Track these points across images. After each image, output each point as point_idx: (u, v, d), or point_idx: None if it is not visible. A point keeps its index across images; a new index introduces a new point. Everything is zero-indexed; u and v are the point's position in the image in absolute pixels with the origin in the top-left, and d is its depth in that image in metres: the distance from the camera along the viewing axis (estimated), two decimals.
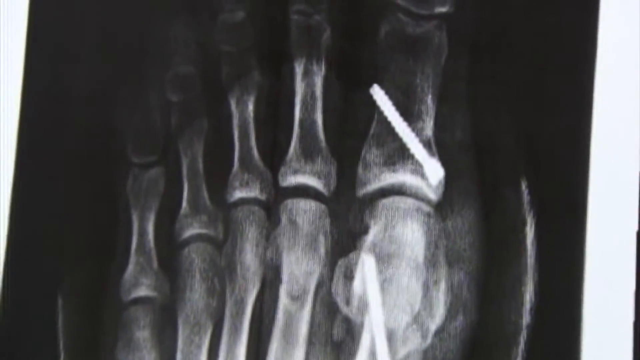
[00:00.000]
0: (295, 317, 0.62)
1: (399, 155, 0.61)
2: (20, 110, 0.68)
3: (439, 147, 0.61)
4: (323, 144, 0.63)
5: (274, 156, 0.64)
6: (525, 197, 0.59)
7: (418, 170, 0.61)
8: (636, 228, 0.58)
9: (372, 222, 0.62)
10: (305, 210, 0.63)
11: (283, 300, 0.63)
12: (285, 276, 0.63)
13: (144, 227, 0.66)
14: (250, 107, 0.64)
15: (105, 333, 0.67)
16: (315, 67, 0.63)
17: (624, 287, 0.58)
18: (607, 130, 0.58)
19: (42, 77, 0.68)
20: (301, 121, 0.63)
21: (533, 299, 0.59)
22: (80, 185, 0.67)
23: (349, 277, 0.62)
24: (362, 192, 0.62)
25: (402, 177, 0.61)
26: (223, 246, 0.65)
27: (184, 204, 0.66)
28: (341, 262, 0.62)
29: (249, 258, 0.64)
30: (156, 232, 0.67)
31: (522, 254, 0.59)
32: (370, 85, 0.62)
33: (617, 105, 0.58)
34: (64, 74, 0.68)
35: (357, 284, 0.62)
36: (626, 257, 0.58)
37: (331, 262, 0.63)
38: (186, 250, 0.66)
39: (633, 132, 0.58)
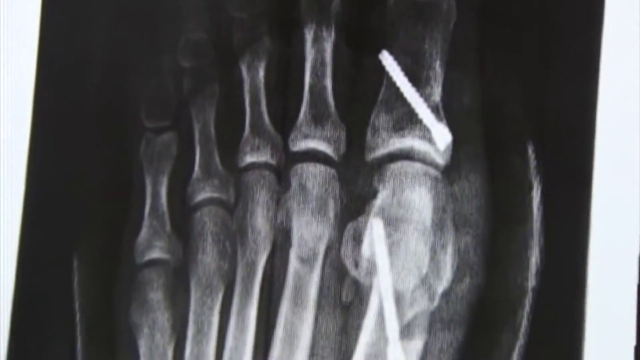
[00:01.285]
0: (305, 280, 0.65)
1: (407, 120, 0.63)
2: (36, 76, 0.70)
3: (447, 112, 0.63)
4: (332, 109, 0.65)
5: (285, 121, 0.66)
6: (532, 162, 0.61)
7: (426, 135, 0.63)
8: (639, 192, 0.59)
9: (380, 186, 0.64)
10: (315, 175, 0.65)
11: (293, 263, 0.65)
12: (295, 239, 0.65)
13: (157, 191, 0.69)
14: (261, 73, 0.67)
15: (119, 294, 0.69)
16: (325, 34, 0.65)
17: (628, 250, 0.60)
18: (613, 97, 0.60)
19: (57, 45, 0.71)
20: (311, 87, 0.65)
21: (539, 262, 0.61)
22: (95, 150, 0.70)
23: (357, 240, 0.64)
24: (370, 156, 0.64)
25: (410, 141, 0.63)
26: (234, 210, 0.67)
27: (196, 168, 0.68)
28: (350, 226, 0.64)
29: (260, 222, 0.66)
30: (169, 195, 0.69)
31: (528, 218, 0.61)
32: (379, 51, 0.64)
33: (623, 72, 0.60)
34: (78, 41, 0.71)
35: (365, 247, 0.64)
36: (630, 221, 0.60)
37: (340, 226, 0.65)
38: (198, 213, 0.68)
39: (638, 98, 0.59)
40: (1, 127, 0.71)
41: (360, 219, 0.64)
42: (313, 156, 0.65)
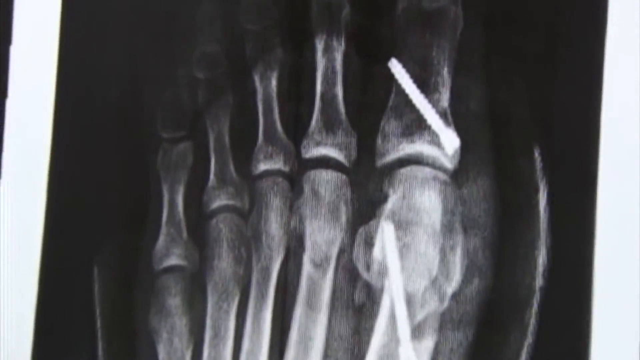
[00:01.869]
0: (318, 283, 0.67)
1: (417, 126, 0.66)
2: (56, 89, 0.74)
3: (455, 117, 0.65)
4: (343, 116, 0.68)
5: (297, 129, 0.69)
6: (538, 165, 0.63)
7: (435, 140, 0.65)
8: None
9: (391, 191, 0.66)
10: (327, 181, 0.68)
11: (306, 267, 0.68)
12: (308, 244, 0.68)
13: (174, 199, 0.72)
14: (274, 82, 0.70)
15: (138, 300, 0.72)
16: (335, 43, 0.68)
17: (634, 249, 0.61)
18: (617, 100, 0.62)
19: (75, 58, 0.74)
20: (322, 95, 0.68)
21: (546, 263, 0.63)
22: (114, 160, 0.73)
23: (369, 244, 0.67)
24: (381, 162, 0.67)
25: (420, 147, 0.65)
26: (249, 216, 0.70)
27: (212, 176, 0.71)
28: (362, 230, 0.67)
29: (274, 227, 0.69)
30: (185, 203, 0.72)
31: (535, 220, 0.63)
32: (388, 59, 0.67)
33: (627, 75, 0.62)
34: (96, 54, 0.74)
35: (377, 250, 0.66)
36: (635, 221, 0.61)
37: (352, 230, 0.67)
38: (214, 220, 0.71)
39: None
40: (21, 138, 0.74)
41: (372, 223, 0.66)
42: (325, 163, 0.67)
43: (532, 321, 0.63)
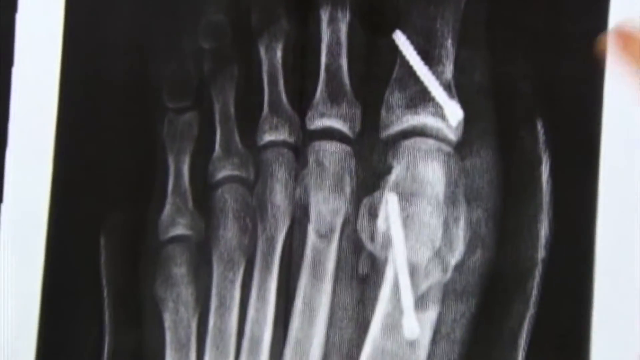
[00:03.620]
0: (323, 254, 0.72)
1: (420, 97, 0.70)
2: (61, 61, 0.78)
3: (459, 89, 0.70)
4: (348, 88, 0.72)
5: (302, 100, 0.73)
6: (541, 137, 0.67)
7: (438, 112, 0.69)
8: None
9: (395, 162, 0.70)
10: (331, 152, 0.72)
11: (311, 237, 0.72)
12: (313, 215, 0.73)
13: (180, 169, 0.76)
14: (279, 53, 0.74)
15: (145, 270, 0.77)
16: (340, 14, 0.72)
17: (635, 220, 0.65)
18: (620, 72, 0.65)
19: (80, 29, 0.78)
20: (327, 66, 0.72)
21: (548, 234, 0.67)
22: (119, 130, 0.77)
23: (373, 215, 0.71)
24: (385, 133, 0.71)
25: (424, 118, 0.70)
26: (254, 187, 0.75)
27: (217, 147, 0.76)
28: (366, 201, 0.72)
29: (279, 198, 0.73)
30: (191, 174, 0.77)
31: (537, 192, 0.67)
32: (392, 30, 0.71)
33: None
34: (101, 25, 0.78)
35: (381, 221, 0.71)
36: (636, 192, 0.65)
37: (356, 201, 0.72)
38: (219, 191, 0.76)
39: None
40: (28, 109, 0.78)
41: (376, 194, 0.71)
42: (329, 134, 0.72)
43: (534, 292, 0.67)
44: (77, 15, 0.77)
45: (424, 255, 0.69)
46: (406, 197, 0.69)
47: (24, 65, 0.77)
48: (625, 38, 0.58)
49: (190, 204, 0.75)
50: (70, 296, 0.78)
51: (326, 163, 0.71)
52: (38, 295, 0.78)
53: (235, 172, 0.75)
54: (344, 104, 0.71)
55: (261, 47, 0.73)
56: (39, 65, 0.77)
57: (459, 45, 0.69)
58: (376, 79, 0.71)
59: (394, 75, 0.70)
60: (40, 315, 0.78)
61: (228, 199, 0.74)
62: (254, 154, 0.74)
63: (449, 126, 0.68)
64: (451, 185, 0.68)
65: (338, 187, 0.71)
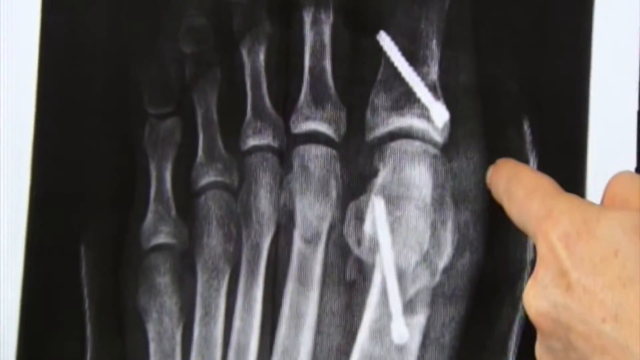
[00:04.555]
0: (309, 259, 0.73)
1: (406, 99, 0.71)
2: (39, 64, 0.79)
3: (444, 90, 0.71)
4: (332, 90, 0.73)
5: (286, 104, 0.75)
6: (528, 137, 0.69)
7: (424, 113, 0.71)
8: (634, 165, 0.67)
9: (381, 165, 0.72)
10: (316, 156, 0.74)
11: (297, 243, 0.74)
12: (298, 220, 0.74)
13: (162, 176, 0.77)
14: (262, 56, 0.75)
15: (127, 279, 0.78)
16: (323, 16, 0.74)
17: None
18: (606, 72, 0.68)
19: (58, 32, 0.79)
20: (311, 69, 0.74)
21: None
22: (100, 137, 0.78)
23: (359, 219, 0.72)
24: (371, 136, 0.72)
25: (409, 120, 0.71)
26: (238, 193, 0.76)
27: (200, 152, 0.77)
28: (352, 205, 0.73)
29: (264, 204, 0.75)
30: (173, 180, 0.78)
31: None
32: (376, 32, 0.73)
33: (616, 47, 0.68)
34: (79, 28, 0.79)
35: (367, 225, 0.72)
36: None
37: (342, 205, 0.73)
38: (203, 197, 0.77)
39: (631, 73, 0.67)
40: (5, 117, 0.79)
41: (362, 198, 0.72)
42: (314, 137, 0.73)
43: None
44: (55, 19, 0.78)
45: (412, 259, 0.70)
46: (393, 201, 0.71)
47: (0, 71, 0.77)
48: None
49: (173, 211, 0.76)
50: (50, 307, 0.78)
51: (311, 167, 0.72)
52: (17, 307, 0.78)
53: (219, 178, 0.76)
54: (329, 107, 0.72)
55: (243, 51, 0.75)
56: (16, 70, 0.78)
57: (444, 46, 0.70)
58: (361, 80, 0.72)
59: (379, 77, 0.71)
60: (19, 327, 0.78)
61: (212, 205, 0.76)
62: (238, 159, 0.76)
63: (435, 128, 0.70)
64: (438, 187, 0.70)
65: (324, 191, 0.72)
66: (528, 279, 0.64)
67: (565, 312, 0.52)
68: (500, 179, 0.62)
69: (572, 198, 0.55)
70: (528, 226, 0.57)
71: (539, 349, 0.56)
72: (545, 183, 0.58)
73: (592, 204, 0.55)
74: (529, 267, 0.68)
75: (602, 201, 0.56)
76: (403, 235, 0.70)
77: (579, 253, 0.51)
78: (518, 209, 0.58)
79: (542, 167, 0.68)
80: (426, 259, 0.70)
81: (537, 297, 0.54)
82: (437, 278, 0.71)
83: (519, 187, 0.59)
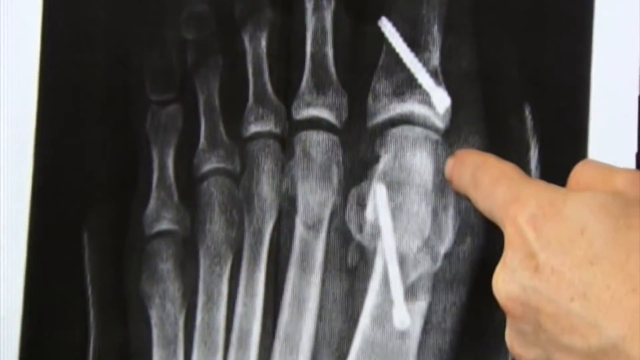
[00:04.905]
0: (311, 245, 0.74)
1: (407, 85, 0.72)
2: (40, 52, 0.80)
3: (445, 76, 0.72)
4: (334, 76, 0.74)
5: (287, 90, 0.75)
6: (529, 123, 0.69)
7: (425, 99, 0.71)
8: (635, 150, 0.67)
9: (382, 151, 0.72)
10: (318, 142, 0.74)
11: (299, 229, 0.74)
12: (300, 206, 0.74)
13: (164, 163, 0.78)
14: (263, 43, 0.76)
15: (129, 266, 0.79)
16: (325, 2, 0.74)
17: None
18: (607, 57, 0.68)
19: (60, 19, 0.80)
20: (312, 55, 0.74)
21: None
22: (101, 124, 0.79)
23: (361, 205, 0.73)
24: (372, 122, 0.73)
25: (411, 106, 0.72)
26: (240, 179, 0.77)
27: (202, 139, 0.77)
28: (354, 191, 0.74)
29: (266, 190, 0.75)
30: (176, 167, 0.78)
31: None
32: (378, 18, 0.73)
33: (617, 31, 0.68)
34: (82, 15, 0.80)
35: (369, 211, 0.73)
36: None
37: (344, 191, 0.74)
38: (205, 184, 0.78)
39: (632, 57, 0.67)
40: (7, 105, 0.80)
41: (364, 184, 0.73)
42: (316, 124, 0.74)
43: None
44: (57, 6, 0.79)
45: (413, 244, 0.71)
46: (394, 187, 0.71)
47: (2, 59, 0.79)
48: None
49: (175, 197, 0.77)
50: (53, 294, 0.79)
51: (313, 153, 0.73)
52: (21, 294, 0.79)
53: (221, 165, 0.77)
54: (330, 93, 0.73)
55: (245, 37, 0.75)
56: (18, 56, 0.79)
57: (445, 32, 0.71)
58: (362, 67, 0.73)
59: (381, 63, 0.72)
60: (23, 314, 0.79)
61: (214, 191, 0.76)
62: (240, 145, 0.76)
63: (436, 113, 0.70)
64: (439, 173, 0.71)
65: (325, 177, 0.73)
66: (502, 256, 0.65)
67: (534, 295, 0.52)
68: (465, 168, 0.62)
69: (539, 182, 0.56)
70: (495, 212, 0.57)
71: (508, 334, 0.57)
72: (511, 169, 0.58)
73: (559, 187, 0.55)
74: None
75: (567, 187, 0.57)
76: (404, 221, 0.70)
77: (546, 234, 0.52)
78: (483, 196, 0.59)
79: (543, 153, 0.69)
80: (427, 244, 0.70)
81: (506, 281, 0.54)
82: (439, 263, 0.71)
83: (485, 175, 0.59)
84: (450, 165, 0.65)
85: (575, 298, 0.50)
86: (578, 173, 0.56)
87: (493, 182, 0.58)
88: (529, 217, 0.54)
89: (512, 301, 0.54)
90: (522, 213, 0.54)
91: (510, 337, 0.57)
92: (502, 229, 0.56)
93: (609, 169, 0.55)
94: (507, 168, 0.59)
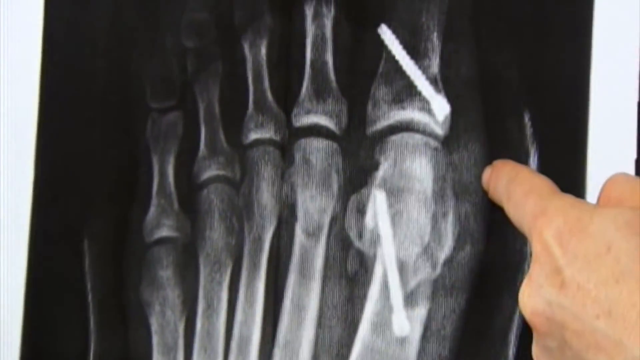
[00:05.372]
0: (311, 252, 0.74)
1: (407, 92, 0.72)
2: (42, 59, 0.80)
3: (445, 83, 0.72)
4: (334, 84, 0.74)
5: (287, 97, 0.75)
6: (528, 130, 0.69)
7: (425, 106, 0.72)
8: (634, 156, 0.67)
9: (382, 158, 0.73)
10: (318, 149, 0.74)
11: (299, 236, 0.75)
12: (300, 213, 0.75)
13: (164, 170, 0.78)
14: (263, 50, 0.76)
15: (130, 273, 0.79)
16: (324, 9, 0.74)
17: None
18: (606, 63, 0.68)
19: (61, 25, 0.80)
20: (312, 62, 0.74)
21: None
22: (102, 132, 0.80)
23: (361, 212, 0.73)
24: (372, 129, 0.73)
25: (410, 113, 0.72)
26: (240, 186, 0.77)
27: (202, 146, 0.78)
28: (353, 198, 0.74)
29: (265, 197, 0.75)
30: (176, 174, 0.79)
31: None
32: (378, 25, 0.73)
33: (616, 38, 0.68)
34: (82, 22, 0.80)
35: (369, 218, 0.73)
36: None
37: (344, 198, 0.74)
38: (205, 191, 0.78)
39: (632, 65, 0.68)
40: (8, 111, 0.80)
41: (363, 191, 0.73)
42: (316, 131, 0.74)
43: None
44: (58, 13, 0.79)
45: (413, 251, 0.71)
46: (394, 193, 0.71)
47: (3, 66, 0.79)
48: None
49: (175, 205, 0.77)
50: (54, 301, 0.80)
51: (313, 160, 0.73)
52: (21, 301, 0.80)
53: (221, 172, 0.77)
54: (330, 100, 0.73)
55: (245, 44, 0.75)
56: (19, 64, 0.79)
57: (445, 39, 0.71)
58: (362, 74, 0.73)
59: (380, 70, 0.72)
60: (23, 321, 0.80)
61: (214, 199, 0.76)
62: (240, 152, 0.76)
63: (436, 121, 0.71)
64: (439, 180, 0.70)
65: (325, 184, 0.73)
66: (528, 270, 0.65)
67: (560, 310, 0.52)
68: (500, 180, 0.63)
69: (567, 197, 0.56)
70: (524, 225, 0.58)
71: (535, 349, 0.57)
72: (542, 183, 0.58)
73: (587, 202, 0.56)
74: (529, 259, 0.68)
75: (597, 202, 0.57)
76: (404, 227, 0.71)
77: (572, 250, 0.52)
78: (515, 208, 0.59)
79: (543, 160, 0.69)
80: (427, 251, 0.70)
81: (532, 296, 0.54)
82: (438, 270, 0.71)
83: (517, 187, 0.60)
84: (486, 175, 0.65)
85: (601, 315, 0.50)
86: (608, 188, 0.56)
87: (523, 195, 0.59)
88: (556, 232, 0.54)
89: (537, 316, 0.54)
90: (549, 228, 0.54)
91: (537, 353, 0.57)
92: (530, 242, 0.56)
93: (637, 184, 0.55)
94: (539, 181, 0.59)
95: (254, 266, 0.75)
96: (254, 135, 0.75)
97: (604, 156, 0.68)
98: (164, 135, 0.78)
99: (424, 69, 0.71)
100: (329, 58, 0.74)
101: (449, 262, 0.71)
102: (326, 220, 0.73)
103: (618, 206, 0.54)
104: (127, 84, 0.78)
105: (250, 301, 0.75)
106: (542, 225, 0.55)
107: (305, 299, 0.73)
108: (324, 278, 0.74)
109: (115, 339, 0.79)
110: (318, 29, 0.74)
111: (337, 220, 0.74)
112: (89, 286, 0.79)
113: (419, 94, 0.71)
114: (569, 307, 0.52)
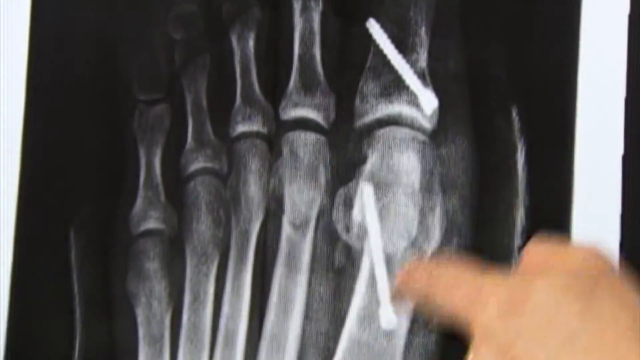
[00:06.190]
0: (298, 245, 0.74)
1: (395, 86, 0.72)
2: (28, 51, 0.80)
3: (433, 78, 0.71)
4: (322, 77, 0.74)
5: (275, 90, 0.75)
6: (516, 125, 0.69)
7: (413, 100, 0.71)
8: (622, 152, 0.67)
9: (369, 152, 0.72)
10: (305, 142, 0.74)
11: (286, 229, 0.74)
12: (287, 206, 0.74)
13: (151, 162, 0.78)
14: (251, 43, 0.75)
15: (116, 265, 0.79)
16: (313, 3, 0.74)
17: (611, 209, 0.67)
18: (594, 59, 0.68)
19: (48, 18, 0.80)
20: (300, 56, 0.74)
21: (524, 222, 0.69)
22: (89, 123, 0.79)
23: (348, 205, 0.73)
24: (359, 123, 0.73)
25: (398, 107, 0.71)
26: (227, 179, 0.77)
27: (189, 138, 0.77)
28: (341, 191, 0.73)
29: (253, 190, 0.75)
30: (163, 166, 0.79)
31: (513, 179, 0.69)
32: (366, 19, 0.73)
33: (604, 33, 0.68)
34: (69, 14, 0.80)
35: (356, 211, 0.72)
36: (612, 181, 0.67)
37: (331, 192, 0.74)
38: (192, 183, 0.77)
39: (619, 59, 0.67)
40: None
41: (351, 184, 0.73)
42: (303, 124, 0.74)
43: None
44: (45, 5, 0.79)
45: (400, 245, 0.71)
46: (381, 187, 0.71)
47: None
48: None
49: (162, 197, 0.77)
50: (40, 292, 0.79)
51: (300, 153, 0.73)
52: (7, 292, 0.79)
53: (208, 164, 0.77)
54: (318, 94, 0.73)
55: (233, 37, 0.75)
56: (5, 56, 0.78)
57: (433, 33, 0.71)
58: (350, 68, 0.73)
59: (368, 64, 0.72)
60: (9, 311, 0.80)
61: (201, 191, 0.76)
62: (227, 145, 0.76)
63: (423, 115, 0.70)
64: (426, 174, 0.70)
65: (313, 177, 0.73)
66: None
67: None
68: (415, 281, 0.62)
69: (496, 275, 0.55)
70: (458, 318, 0.56)
71: None
72: (465, 269, 0.57)
73: (517, 275, 0.55)
74: (516, 253, 0.68)
75: (518, 269, 0.56)
76: (391, 221, 0.70)
77: (514, 328, 0.51)
78: (442, 299, 0.58)
79: (530, 154, 0.68)
80: (414, 244, 0.70)
81: None
82: None
83: (439, 282, 0.59)
84: (399, 280, 0.64)
85: None
86: (530, 254, 0.56)
87: (448, 289, 0.57)
88: (494, 313, 0.53)
89: None
90: (484, 314, 0.53)
91: None
92: (470, 328, 0.55)
93: (562, 248, 0.55)
94: (462, 268, 0.58)
95: (241, 259, 0.75)
96: (241, 128, 0.75)
97: (591, 152, 0.68)
98: (151, 128, 0.77)
99: (412, 63, 0.71)
100: (317, 51, 0.73)
101: (436, 255, 0.70)
102: (313, 214, 0.73)
103: (545, 272, 0.53)
104: (115, 75, 0.78)
105: (237, 294, 0.75)
106: (478, 309, 0.54)
107: (292, 292, 0.73)
108: (311, 271, 0.74)
109: (101, 330, 0.79)
110: (306, 22, 0.73)
111: (325, 214, 0.73)
112: (75, 278, 0.78)
113: (407, 88, 0.71)
114: None
